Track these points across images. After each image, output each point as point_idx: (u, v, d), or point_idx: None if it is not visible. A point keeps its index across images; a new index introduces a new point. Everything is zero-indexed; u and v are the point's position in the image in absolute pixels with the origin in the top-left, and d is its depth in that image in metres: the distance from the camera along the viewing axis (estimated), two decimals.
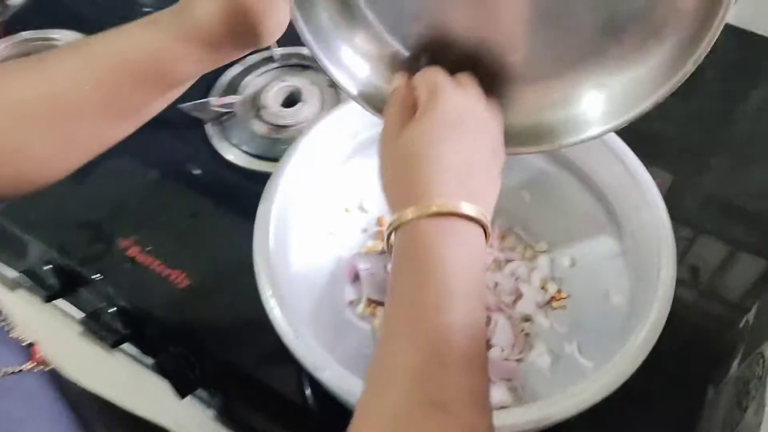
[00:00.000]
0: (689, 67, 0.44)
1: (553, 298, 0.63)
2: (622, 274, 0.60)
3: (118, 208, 0.75)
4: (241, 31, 0.45)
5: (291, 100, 0.81)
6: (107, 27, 0.46)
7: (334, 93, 0.81)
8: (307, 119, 0.79)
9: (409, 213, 0.39)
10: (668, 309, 0.52)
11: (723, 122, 0.84)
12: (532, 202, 0.68)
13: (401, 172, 0.42)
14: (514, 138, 0.49)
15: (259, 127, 0.79)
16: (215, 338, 0.66)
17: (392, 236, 0.41)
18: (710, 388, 0.64)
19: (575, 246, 0.65)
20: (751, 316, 0.62)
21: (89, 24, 0.69)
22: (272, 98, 0.80)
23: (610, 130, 0.48)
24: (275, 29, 0.47)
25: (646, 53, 0.46)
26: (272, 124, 0.79)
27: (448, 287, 0.37)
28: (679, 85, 0.45)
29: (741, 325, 0.64)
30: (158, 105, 0.49)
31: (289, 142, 0.76)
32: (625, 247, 0.60)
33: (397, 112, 0.45)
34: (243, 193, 0.75)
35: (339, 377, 0.49)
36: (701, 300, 0.71)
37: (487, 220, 0.40)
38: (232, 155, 0.78)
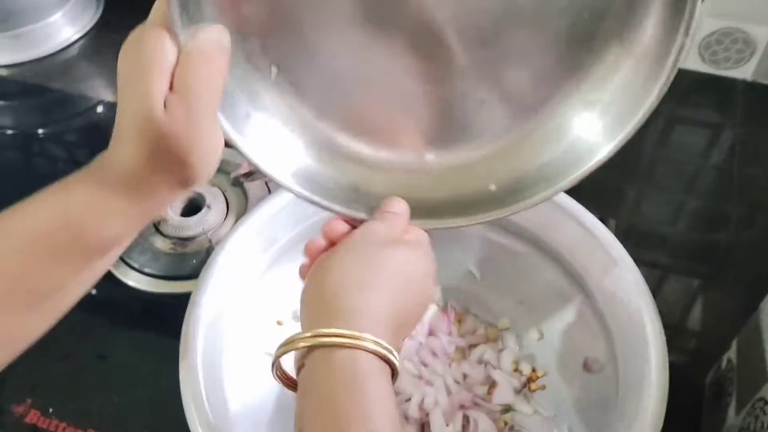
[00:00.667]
0: (682, 41, 0.38)
1: (529, 380, 0.57)
2: (597, 339, 0.55)
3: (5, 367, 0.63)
4: (169, 169, 0.36)
5: (192, 208, 0.73)
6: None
7: (240, 193, 0.73)
8: (214, 226, 0.70)
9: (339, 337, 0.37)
10: (667, 372, 0.47)
11: (630, 153, 0.83)
12: (483, 278, 0.62)
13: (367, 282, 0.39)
14: (521, 192, 0.45)
15: (162, 244, 0.70)
16: None
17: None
18: None
19: (539, 317, 0.60)
20: (732, 354, 0.58)
21: None
22: (171, 209, 0.71)
23: (619, 145, 0.43)
24: (210, 159, 0.38)
25: (625, 49, 0.41)
26: (176, 238, 0.70)
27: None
28: (677, 66, 0.40)
29: (723, 365, 0.60)
30: (85, 282, 0.39)
31: (198, 255, 0.69)
32: (596, 308, 0.55)
33: (388, 228, 0.43)
34: (155, 322, 0.66)
35: None
36: (672, 344, 0.67)
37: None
38: (135, 280, 0.68)
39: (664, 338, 0.48)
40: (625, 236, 0.74)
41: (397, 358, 0.38)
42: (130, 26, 0.36)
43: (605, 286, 0.53)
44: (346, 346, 0.36)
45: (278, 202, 0.57)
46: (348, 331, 0.36)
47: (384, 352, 0.37)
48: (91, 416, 0.60)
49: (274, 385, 0.56)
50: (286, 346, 0.39)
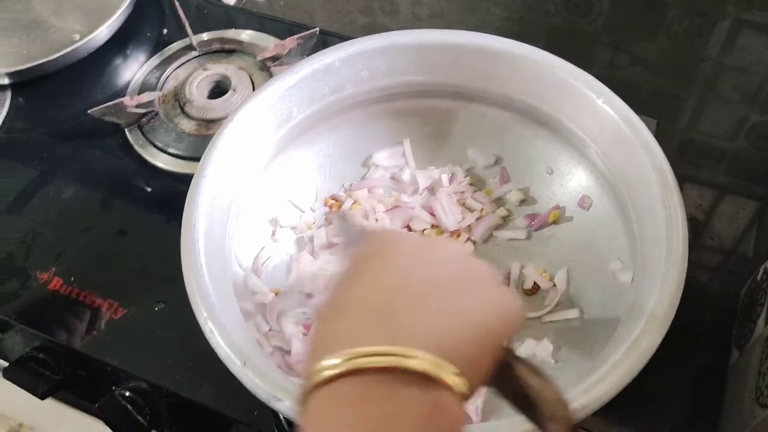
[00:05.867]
0: None
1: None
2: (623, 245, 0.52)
3: (32, 236, 0.64)
4: None
5: (219, 90, 0.71)
6: None
7: (266, 76, 0.71)
8: None
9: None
10: (685, 269, 0.43)
11: (691, 59, 0.77)
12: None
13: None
14: None
15: (186, 125, 0.69)
16: (165, 372, 0.56)
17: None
18: (734, 351, 0.57)
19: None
20: None
21: None
22: (197, 90, 0.70)
23: None
24: None
25: None
26: (201, 119, 0.69)
27: None
28: None
29: (759, 276, 0.56)
30: None
31: None
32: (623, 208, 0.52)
33: None
34: (176, 200, 0.65)
35: None
36: (708, 254, 0.63)
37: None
38: (159, 160, 0.68)
39: (686, 234, 0.45)
40: (680, 151, 0.69)
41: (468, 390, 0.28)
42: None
43: (633, 187, 0.50)
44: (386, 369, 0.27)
45: (291, 79, 0.55)
46: (392, 348, 0.27)
47: (442, 374, 0.27)
48: (110, 287, 0.61)
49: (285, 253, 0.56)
50: (312, 378, 0.28)
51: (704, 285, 0.61)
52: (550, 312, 0.54)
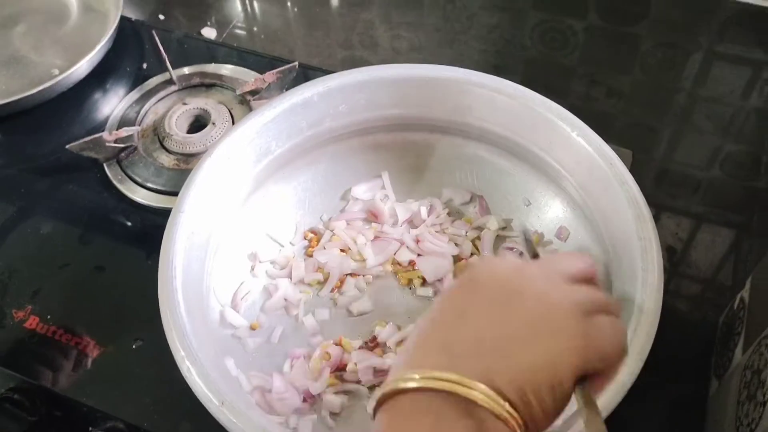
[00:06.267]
0: None
1: None
2: (600, 276, 0.52)
3: (8, 273, 0.64)
4: None
5: (198, 125, 0.72)
6: None
7: (245, 110, 0.72)
8: None
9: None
10: (660, 299, 0.44)
11: (665, 91, 0.79)
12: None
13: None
14: None
15: (166, 159, 0.69)
16: (143, 412, 0.55)
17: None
18: (713, 381, 0.57)
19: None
20: (745, 294, 0.55)
21: None
22: (176, 125, 0.70)
23: None
24: None
25: None
26: (180, 154, 0.69)
27: None
28: None
29: (736, 304, 0.56)
30: None
31: None
32: (600, 239, 0.52)
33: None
34: (155, 236, 0.65)
35: None
36: (686, 283, 0.63)
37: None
38: (138, 195, 0.68)
39: (661, 266, 0.45)
40: (656, 181, 0.70)
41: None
42: None
43: (605, 213, 0.51)
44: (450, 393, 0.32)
45: (270, 113, 0.55)
46: (461, 378, 0.32)
47: (503, 413, 0.31)
48: (87, 325, 0.60)
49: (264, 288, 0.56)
50: (392, 384, 0.33)
51: (683, 314, 0.62)
52: None
